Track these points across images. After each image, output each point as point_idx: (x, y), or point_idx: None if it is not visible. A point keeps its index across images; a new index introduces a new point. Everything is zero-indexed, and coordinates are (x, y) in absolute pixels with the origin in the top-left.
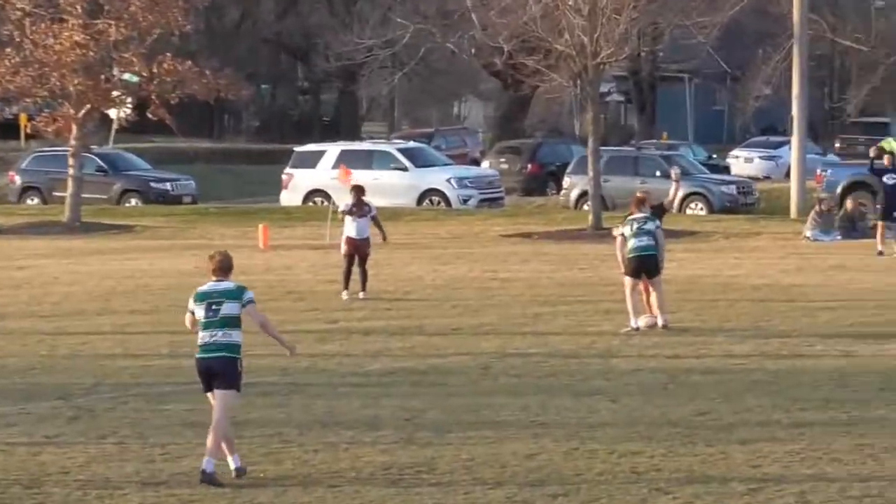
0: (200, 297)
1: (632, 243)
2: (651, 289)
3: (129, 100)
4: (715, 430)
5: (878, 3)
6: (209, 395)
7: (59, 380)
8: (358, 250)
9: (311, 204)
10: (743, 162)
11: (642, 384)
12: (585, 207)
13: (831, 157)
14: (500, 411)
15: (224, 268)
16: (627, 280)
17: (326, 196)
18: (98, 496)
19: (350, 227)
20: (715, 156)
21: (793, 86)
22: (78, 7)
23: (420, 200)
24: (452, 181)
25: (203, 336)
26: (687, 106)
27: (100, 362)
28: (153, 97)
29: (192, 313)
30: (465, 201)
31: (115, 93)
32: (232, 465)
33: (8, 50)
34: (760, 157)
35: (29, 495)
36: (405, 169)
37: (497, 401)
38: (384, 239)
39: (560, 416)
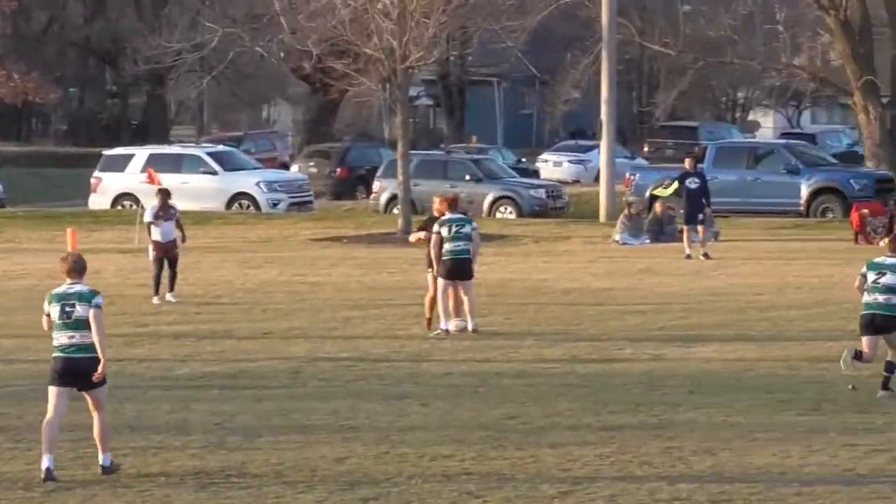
0: (56, 299)
1: (448, 246)
2: (463, 292)
3: None
4: (525, 433)
5: (686, 8)
6: (57, 389)
7: None
8: (167, 253)
9: (119, 207)
10: (552, 166)
11: (453, 387)
12: (395, 211)
13: (640, 161)
14: (310, 415)
15: (78, 269)
16: (441, 282)
17: (135, 199)
18: None
19: (156, 232)
20: (524, 160)
21: (602, 90)
22: None
23: (229, 204)
24: (262, 185)
25: (60, 337)
26: (496, 110)
27: None
28: None
29: (48, 315)
30: (274, 205)
31: None
32: (102, 461)
33: None
34: (570, 161)
35: None
36: (214, 173)
37: (307, 405)
38: (183, 241)
39: (370, 419)
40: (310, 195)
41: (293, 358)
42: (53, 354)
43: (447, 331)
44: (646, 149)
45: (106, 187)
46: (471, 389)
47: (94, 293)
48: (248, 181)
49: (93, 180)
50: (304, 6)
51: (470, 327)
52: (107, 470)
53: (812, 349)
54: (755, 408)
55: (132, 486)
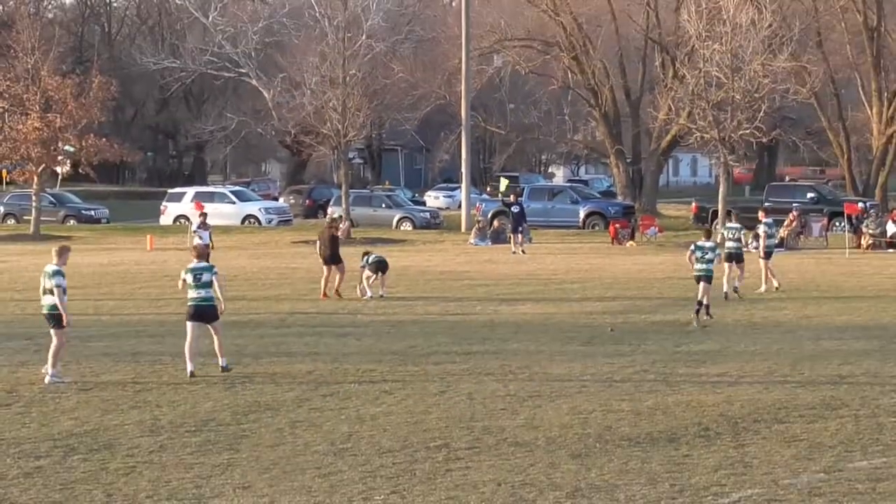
0: (190, 270)
1: (194, 293)
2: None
3: (68, 161)
4: (418, 356)
5: (511, 105)
6: (191, 324)
7: (27, 328)
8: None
9: (177, 224)
10: (433, 199)
11: (375, 330)
12: (341, 225)
13: (484, 196)
14: (291, 346)
15: (202, 254)
16: (366, 272)
17: (187, 219)
18: (52, 397)
19: (196, 238)
20: (417, 195)
21: (462, 153)
22: (37, 106)
23: (243, 221)
24: (262, 210)
25: (192, 293)
26: (399, 165)
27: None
28: (83, 160)
29: (184, 280)
30: (269, 222)
31: (59, 157)
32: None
33: None
34: (444, 196)
35: (9, 396)
36: (234, 202)
37: (290, 339)
38: (212, 247)
39: (327, 348)
40: (290, 216)
41: (281, 312)
42: (189, 304)
43: (371, 297)
44: (488, 189)
45: (170, 212)
46: (386, 330)
47: (213, 266)
48: (254, 208)
49: (161, 207)
50: (285, 104)
51: (372, 294)
52: (225, 369)
53: (586, 307)
54: (553, 341)
55: (185, 388)
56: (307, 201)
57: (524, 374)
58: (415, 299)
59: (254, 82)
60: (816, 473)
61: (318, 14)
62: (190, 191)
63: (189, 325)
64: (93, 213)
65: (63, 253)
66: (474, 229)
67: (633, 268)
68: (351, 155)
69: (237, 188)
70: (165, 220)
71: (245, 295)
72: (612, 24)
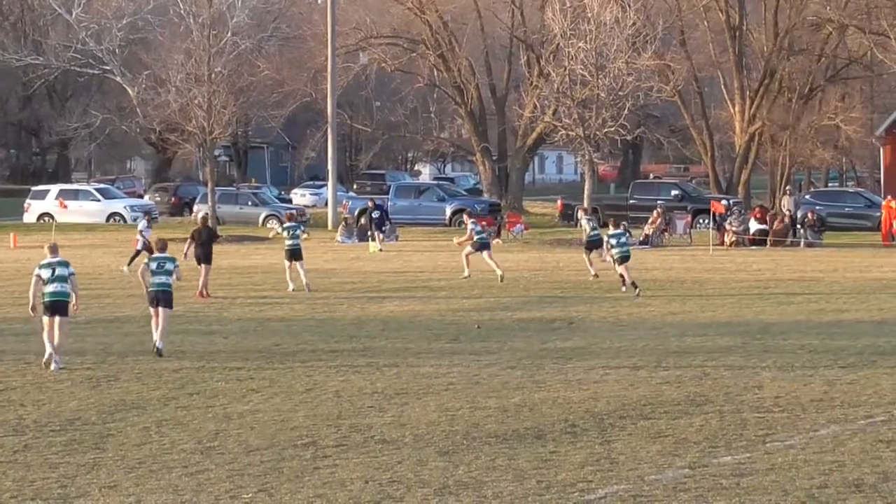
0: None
1: (156, 279)
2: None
3: None
4: (284, 354)
5: (377, 103)
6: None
7: None
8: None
9: (41, 222)
10: (300, 196)
11: (242, 327)
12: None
13: (351, 194)
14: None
15: (162, 247)
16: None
17: (51, 217)
18: None
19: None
20: (282, 193)
21: (328, 151)
22: None
23: (108, 219)
24: (127, 208)
25: (155, 279)
26: (266, 163)
27: None
28: None
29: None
30: (134, 220)
31: None
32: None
33: None
34: (311, 193)
35: None
36: (98, 200)
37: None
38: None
39: (193, 346)
40: (156, 214)
41: (147, 310)
42: (151, 289)
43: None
44: (355, 186)
45: (33, 209)
46: (252, 328)
47: (174, 258)
48: (119, 205)
49: (25, 205)
50: (150, 101)
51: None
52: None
53: (452, 304)
54: (420, 339)
55: (51, 387)
56: (173, 199)
57: (391, 372)
58: (281, 297)
59: (118, 79)
60: (681, 469)
61: (182, 11)
62: (54, 188)
63: (152, 310)
64: None
65: (55, 248)
66: (340, 227)
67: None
68: (217, 152)
69: (102, 186)
70: (29, 217)
71: (110, 293)
72: (477, 22)
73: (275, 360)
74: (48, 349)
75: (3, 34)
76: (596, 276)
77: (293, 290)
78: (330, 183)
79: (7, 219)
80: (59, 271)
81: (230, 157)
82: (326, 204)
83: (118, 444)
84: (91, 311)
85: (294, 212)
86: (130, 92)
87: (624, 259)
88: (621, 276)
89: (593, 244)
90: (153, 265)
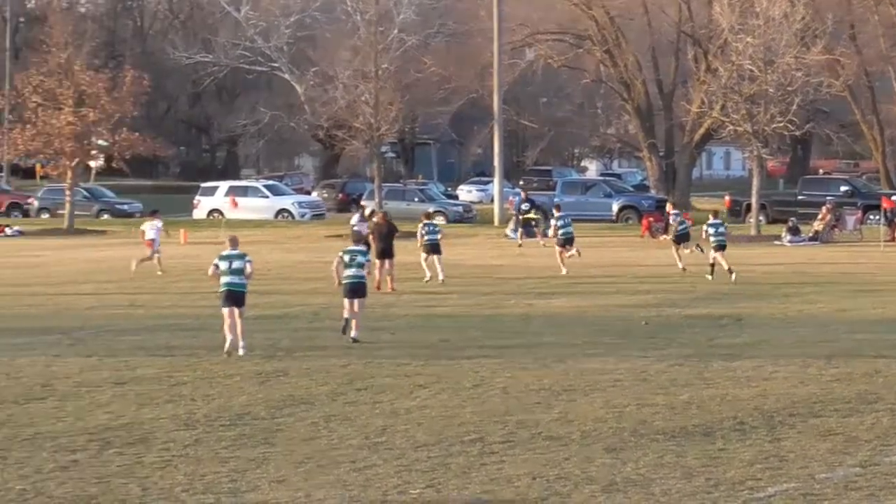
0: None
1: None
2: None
3: (101, 156)
4: (452, 350)
5: (543, 99)
6: (227, 310)
7: (61, 322)
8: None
9: (210, 218)
10: (466, 193)
11: (409, 323)
12: (374, 219)
13: (517, 190)
14: (325, 340)
15: (235, 242)
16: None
17: (221, 213)
18: (87, 391)
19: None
20: (449, 189)
21: (494, 147)
22: (70, 100)
23: (276, 215)
24: (295, 204)
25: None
26: (432, 159)
27: (86, 312)
28: (116, 154)
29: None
30: (302, 216)
31: (93, 152)
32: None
33: (27, 126)
34: (477, 190)
35: (45, 390)
36: (267, 197)
37: (323, 334)
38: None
39: (361, 342)
40: (323, 210)
41: (314, 306)
42: (346, 281)
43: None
44: (521, 182)
45: (203, 206)
46: (419, 324)
47: (366, 251)
48: (287, 202)
49: (195, 201)
50: (318, 98)
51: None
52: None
53: (619, 300)
54: (587, 335)
55: (221, 382)
56: (340, 195)
57: (558, 368)
58: (448, 293)
59: (286, 77)
60: (852, 467)
61: (349, 8)
62: (223, 185)
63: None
64: (126, 207)
65: (235, 241)
66: (511, 222)
67: (667, 261)
68: (384, 149)
69: (270, 182)
70: (198, 213)
71: (279, 289)
72: (644, 17)
73: (442, 356)
74: (228, 338)
75: (174, 32)
76: (684, 269)
77: (428, 280)
78: (496, 179)
79: (177, 215)
80: (235, 264)
81: (397, 153)
82: (493, 200)
83: (287, 439)
84: (259, 307)
85: (431, 210)
86: (298, 89)
87: (720, 247)
88: (711, 264)
89: (681, 238)
90: (346, 258)
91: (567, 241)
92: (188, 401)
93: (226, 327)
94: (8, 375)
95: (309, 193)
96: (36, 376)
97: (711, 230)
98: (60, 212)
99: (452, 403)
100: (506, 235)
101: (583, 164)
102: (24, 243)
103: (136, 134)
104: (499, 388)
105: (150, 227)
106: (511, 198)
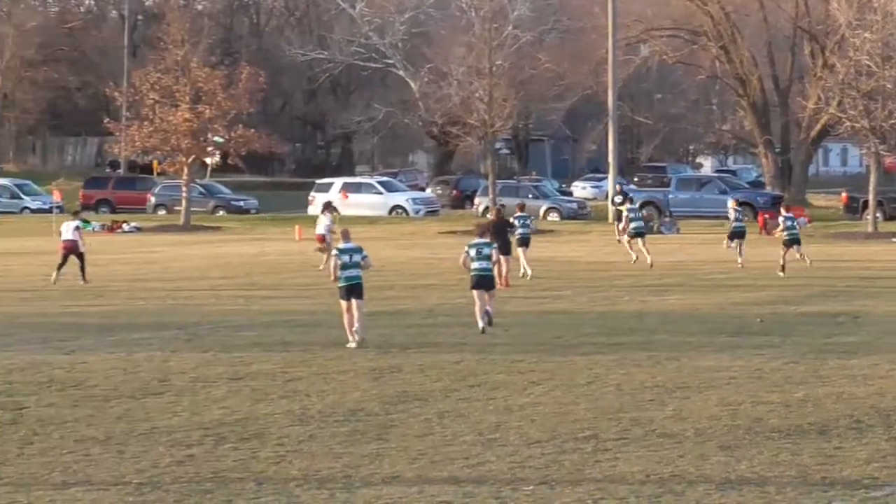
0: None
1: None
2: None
3: (217, 152)
4: (565, 347)
5: (658, 95)
6: (346, 303)
7: (178, 318)
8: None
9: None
10: (580, 189)
11: (522, 320)
12: (488, 216)
13: (631, 186)
14: (438, 336)
15: (347, 236)
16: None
17: (334, 209)
18: (202, 386)
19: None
20: (563, 185)
21: (609, 144)
22: (186, 97)
23: (390, 212)
24: (409, 201)
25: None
26: (546, 156)
27: (202, 307)
28: (232, 151)
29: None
30: (417, 212)
31: (209, 148)
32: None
33: (145, 123)
34: (591, 186)
35: (161, 385)
36: (381, 193)
37: (436, 330)
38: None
39: (474, 339)
40: (438, 207)
41: (429, 302)
42: (473, 274)
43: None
44: (635, 179)
45: (318, 202)
46: (533, 321)
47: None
48: (401, 198)
49: (310, 198)
50: (432, 94)
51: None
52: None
53: (734, 297)
54: (701, 332)
55: (335, 378)
56: (454, 192)
57: (672, 366)
58: (561, 290)
59: (400, 73)
60: None
61: (464, 4)
62: (338, 181)
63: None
64: (242, 203)
65: (348, 234)
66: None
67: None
68: (498, 145)
69: (385, 179)
70: (314, 210)
71: (393, 285)
72: (760, 13)
73: (556, 352)
74: (349, 331)
75: (289, 29)
76: (783, 269)
77: (530, 276)
78: (611, 175)
79: (293, 211)
80: (354, 257)
81: (511, 149)
82: (607, 197)
83: (400, 435)
84: (374, 303)
85: (523, 203)
86: (413, 85)
87: (794, 242)
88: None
89: (736, 235)
90: (473, 251)
91: (637, 235)
92: (303, 396)
93: (345, 321)
94: (125, 370)
95: (423, 190)
96: (153, 371)
97: (790, 223)
98: (177, 208)
99: (566, 400)
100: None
101: (697, 160)
102: (142, 239)
103: (252, 130)
104: (612, 385)
105: (323, 221)
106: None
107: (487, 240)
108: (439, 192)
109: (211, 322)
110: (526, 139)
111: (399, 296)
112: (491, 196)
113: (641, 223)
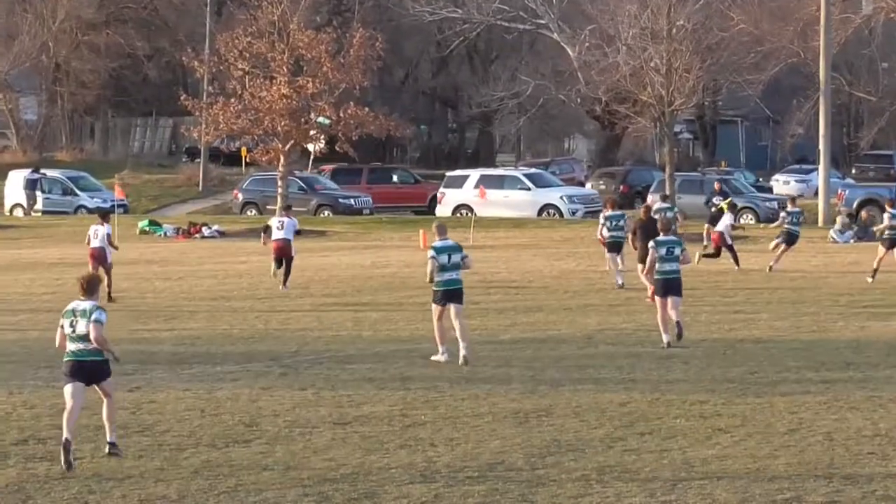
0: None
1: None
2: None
3: (322, 137)
4: (761, 385)
5: (884, 64)
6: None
7: (271, 346)
8: None
9: (458, 215)
10: (782, 184)
11: (707, 350)
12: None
13: (849, 181)
14: (600, 370)
15: (444, 231)
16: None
17: (470, 210)
18: (300, 433)
19: None
20: (761, 179)
21: (819, 127)
22: (284, 68)
23: (540, 213)
24: (564, 198)
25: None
26: (739, 142)
27: (301, 333)
28: (340, 135)
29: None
30: (573, 213)
31: (312, 132)
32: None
33: (232, 100)
34: (795, 181)
35: (249, 431)
36: (529, 189)
37: (597, 362)
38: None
39: (645, 374)
40: (600, 206)
41: (587, 328)
42: (658, 277)
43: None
44: (853, 171)
45: (448, 199)
46: (720, 352)
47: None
48: (554, 195)
49: (438, 194)
50: (595, 64)
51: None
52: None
53: None
54: None
55: (468, 422)
56: (621, 187)
57: None
58: (756, 312)
59: (555, 36)
60: None
61: None
62: (473, 174)
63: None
64: (352, 201)
65: (444, 229)
66: (838, 221)
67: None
68: (677, 128)
69: (533, 171)
70: (443, 210)
71: (542, 305)
72: None
73: (749, 391)
74: (439, 341)
75: None
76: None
77: (621, 285)
78: (821, 167)
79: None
80: (454, 258)
81: (694, 134)
82: (816, 194)
83: (550, 496)
84: (519, 327)
85: (615, 198)
86: (570, 52)
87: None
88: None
89: (894, 242)
90: (663, 251)
91: (615, 248)
92: (427, 446)
93: (436, 328)
94: (204, 412)
95: (582, 185)
96: (239, 413)
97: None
98: (270, 207)
99: (762, 453)
100: (831, 238)
101: None
102: (226, 246)
103: (366, 109)
104: (822, 434)
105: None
106: (841, 191)
107: (677, 237)
108: (602, 187)
109: (312, 352)
110: (714, 120)
111: (550, 319)
112: (668, 191)
113: (621, 233)
